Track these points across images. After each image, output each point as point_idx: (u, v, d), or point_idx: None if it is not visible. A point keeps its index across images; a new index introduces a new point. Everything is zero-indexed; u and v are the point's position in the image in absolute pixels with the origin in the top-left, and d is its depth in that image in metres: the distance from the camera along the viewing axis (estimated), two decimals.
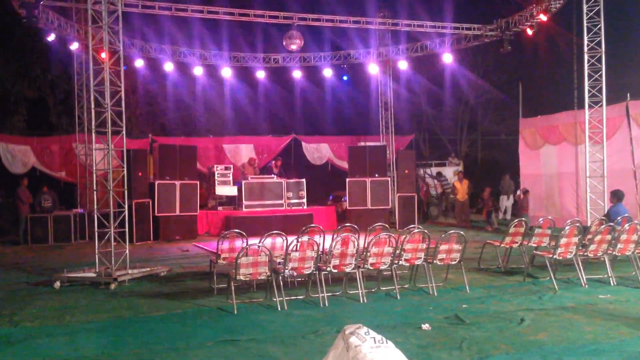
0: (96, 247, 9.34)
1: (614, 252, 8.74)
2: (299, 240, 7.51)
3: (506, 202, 18.92)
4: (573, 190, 15.84)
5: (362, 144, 19.35)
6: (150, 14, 15.22)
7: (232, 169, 17.73)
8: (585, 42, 12.99)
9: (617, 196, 10.37)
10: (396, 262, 7.99)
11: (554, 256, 8.38)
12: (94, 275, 9.22)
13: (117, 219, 9.44)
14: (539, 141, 17.22)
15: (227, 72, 19.47)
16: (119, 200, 9.59)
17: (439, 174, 21.82)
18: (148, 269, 9.85)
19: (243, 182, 16.63)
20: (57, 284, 9.01)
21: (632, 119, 14.04)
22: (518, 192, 17.75)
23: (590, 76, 13.01)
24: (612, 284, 8.48)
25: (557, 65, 24.95)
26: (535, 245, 9.59)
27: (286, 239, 8.00)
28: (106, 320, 7.02)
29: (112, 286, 8.83)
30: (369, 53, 19.78)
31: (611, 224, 8.94)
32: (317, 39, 20.86)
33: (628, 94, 14.20)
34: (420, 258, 8.12)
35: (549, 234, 9.66)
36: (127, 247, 9.52)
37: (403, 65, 19.29)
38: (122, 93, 9.62)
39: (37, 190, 15.65)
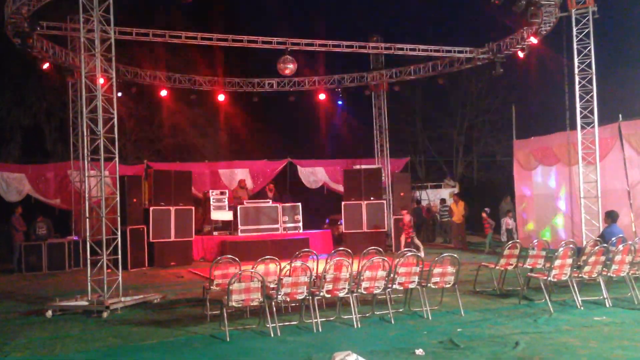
0: (88, 275, 9.25)
1: (608, 273, 8.69)
2: (292, 265, 7.47)
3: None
4: (567, 211, 15.84)
5: (358, 167, 19.34)
6: (144, 41, 15.36)
7: (227, 194, 17.70)
8: (576, 64, 13.10)
9: (611, 217, 10.34)
10: (390, 286, 7.94)
11: (549, 278, 8.33)
12: (86, 303, 9.13)
13: (110, 245, 9.40)
14: (532, 162, 17.26)
15: (221, 97, 19.56)
16: (113, 227, 9.55)
17: (443, 201, 21.33)
18: (141, 297, 9.77)
19: (238, 206, 16.58)
20: (49, 313, 8.92)
21: (625, 139, 14.10)
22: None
23: (581, 97, 13.09)
24: (607, 306, 8.43)
25: (549, 87, 25.13)
26: (530, 267, 9.56)
27: (279, 264, 7.95)
28: (97, 349, 6.92)
29: (105, 314, 8.74)
30: (363, 77, 19.93)
31: (605, 244, 8.92)
32: (311, 63, 21.01)
33: (620, 115, 14.28)
34: (414, 282, 8.08)
35: (544, 256, 9.63)
36: (120, 274, 9.45)
37: (397, 88, 19.42)
38: (115, 120, 9.65)
39: (32, 218, 15.59)
